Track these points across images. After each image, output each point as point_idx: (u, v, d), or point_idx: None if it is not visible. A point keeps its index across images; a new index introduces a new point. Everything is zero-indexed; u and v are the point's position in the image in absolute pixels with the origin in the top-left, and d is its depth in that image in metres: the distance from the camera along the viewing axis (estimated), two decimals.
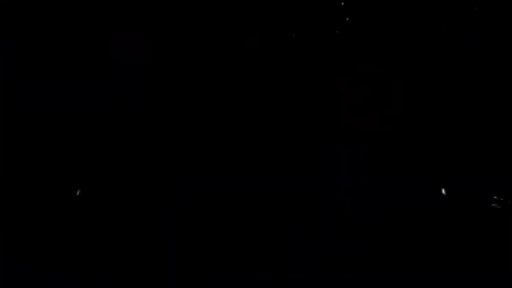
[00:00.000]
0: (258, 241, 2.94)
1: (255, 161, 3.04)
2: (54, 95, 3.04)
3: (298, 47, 3.13)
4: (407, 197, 2.96)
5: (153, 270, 2.87)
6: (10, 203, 2.96)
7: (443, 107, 3.07)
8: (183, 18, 3.12)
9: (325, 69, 3.11)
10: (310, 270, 2.89)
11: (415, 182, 2.99)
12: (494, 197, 2.97)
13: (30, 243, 2.91)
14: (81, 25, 3.08)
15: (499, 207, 2.96)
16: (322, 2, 3.14)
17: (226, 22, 3.12)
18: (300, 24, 3.14)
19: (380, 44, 3.10)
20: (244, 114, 3.09)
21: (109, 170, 3.03)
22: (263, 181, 3.01)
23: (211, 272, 2.87)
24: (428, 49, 3.10)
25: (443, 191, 2.99)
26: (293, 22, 3.14)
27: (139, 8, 3.10)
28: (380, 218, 2.97)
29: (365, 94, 3.06)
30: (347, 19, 3.13)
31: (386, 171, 3.02)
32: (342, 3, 3.13)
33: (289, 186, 3.00)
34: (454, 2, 3.10)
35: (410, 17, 3.10)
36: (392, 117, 3.05)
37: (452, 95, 3.08)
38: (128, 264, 2.88)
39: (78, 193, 2.99)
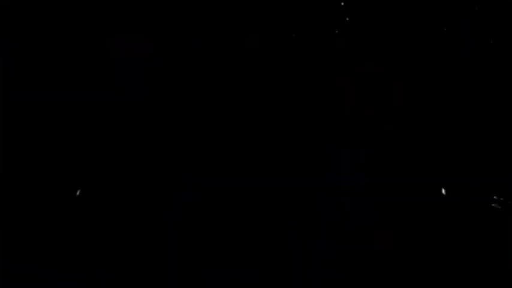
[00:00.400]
0: (258, 241, 2.94)
1: (255, 161, 3.04)
2: (54, 95, 3.03)
3: (298, 47, 3.13)
4: (407, 197, 2.96)
5: (153, 270, 2.87)
6: (10, 203, 2.96)
7: (444, 107, 3.07)
8: (183, 18, 3.11)
9: (325, 69, 3.11)
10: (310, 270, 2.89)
11: (415, 182, 2.99)
12: (494, 197, 2.97)
13: (30, 243, 2.91)
14: (81, 25, 3.08)
15: (499, 207, 2.96)
16: (322, 2, 3.14)
17: (226, 22, 3.12)
18: (300, 24, 3.14)
19: (380, 44, 3.10)
20: (244, 114, 3.09)
21: (109, 170, 3.03)
22: (263, 181, 3.01)
23: (211, 272, 2.87)
24: (428, 49, 3.10)
25: (443, 191, 2.99)
26: (293, 22, 3.14)
27: (139, 8, 3.10)
28: (380, 218, 2.97)
29: (365, 94, 3.06)
30: (347, 19, 3.13)
31: (387, 171, 3.02)
32: (342, 3, 3.13)
33: (289, 186, 3.00)
34: (454, 2, 3.10)
35: (410, 17, 3.10)
36: (392, 117, 3.05)
37: (452, 95, 3.08)
38: (128, 264, 2.88)
39: (78, 193, 2.99)
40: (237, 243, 2.93)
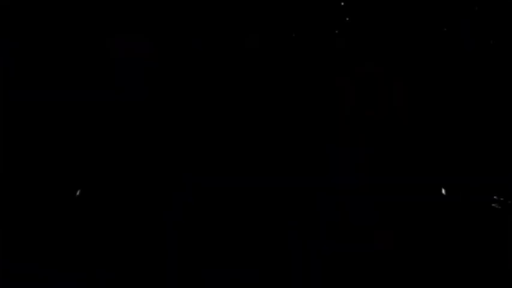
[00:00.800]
0: (258, 241, 2.94)
1: (255, 161, 3.04)
2: (54, 95, 3.04)
3: (298, 47, 3.13)
4: (407, 197, 2.96)
5: (153, 270, 2.87)
6: (10, 203, 2.96)
7: (444, 107, 3.07)
8: (183, 18, 3.12)
9: (325, 69, 3.11)
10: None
11: (415, 182, 2.99)
12: (494, 197, 2.97)
13: (30, 243, 2.91)
14: (81, 25, 3.08)
15: (499, 207, 2.96)
16: (322, 2, 3.14)
17: (226, 22, 3.12)
18: (300, 24, 3.14)
19: (380, 44, 3.10)
20: (244, 114, 3.09)
21: (109, 170, 3.03)
22: (263, 181, 3.01)
23: (211, 272, 2.87)
24: (428, 49, 3.10)
25: (443, 191, 2.99)
26: (293, 22, 3.14)
27: (139, 8, 3.10)
28: (380, 218, 2.97)
29: (365, 94, 3.06)
30: (347, 19, 3.13)
31: (387, 171, 3.02)
32: (342, 3, 3.13)
33: (289, 186, 3.00)
34: (454, 2, 3.10)
35: (410, 17, 3.10)
36: (392, 117, 3.05)
37: (452, 95, 3.08)
38: (128, 264, 2.88)
39: (78, 193, 2.99)
40: (236, 243, 2.93)
